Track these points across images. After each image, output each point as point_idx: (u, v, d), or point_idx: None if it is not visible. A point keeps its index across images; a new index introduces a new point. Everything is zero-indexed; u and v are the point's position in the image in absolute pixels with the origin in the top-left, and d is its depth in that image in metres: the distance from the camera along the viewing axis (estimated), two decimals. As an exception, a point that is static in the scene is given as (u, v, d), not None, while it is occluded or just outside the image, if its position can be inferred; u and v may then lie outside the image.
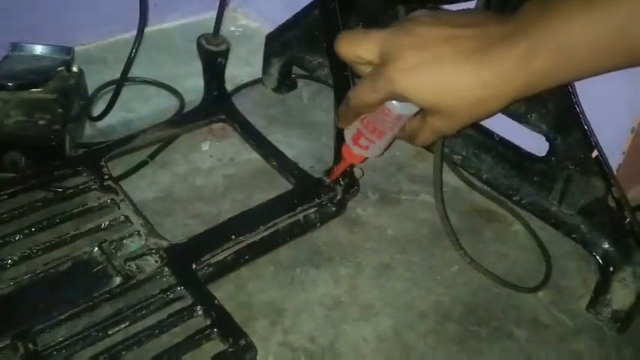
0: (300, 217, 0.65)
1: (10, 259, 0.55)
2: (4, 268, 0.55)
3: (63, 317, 0.50)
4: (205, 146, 0.80)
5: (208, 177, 0.76)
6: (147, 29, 1.00)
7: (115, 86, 0.80)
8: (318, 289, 0.62)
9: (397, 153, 0.80)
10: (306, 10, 0.82)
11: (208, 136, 0.81)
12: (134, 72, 0.89)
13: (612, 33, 0.37)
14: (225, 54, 0.76)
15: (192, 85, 0.89)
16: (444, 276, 0.64)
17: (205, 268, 0.58)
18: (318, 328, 0.58)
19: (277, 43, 0.88)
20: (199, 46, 0.76)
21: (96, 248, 0.56)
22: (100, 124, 0.82)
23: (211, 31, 0.76)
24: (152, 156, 0.76)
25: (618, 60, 0.39)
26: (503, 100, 0.42)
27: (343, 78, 0.62)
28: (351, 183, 0.68)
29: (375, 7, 0.71)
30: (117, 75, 0.87)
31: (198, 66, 0.80)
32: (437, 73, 0.42)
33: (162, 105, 0.87)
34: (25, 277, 0.54)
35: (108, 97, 0.81)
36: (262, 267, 0.63)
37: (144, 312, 0.51)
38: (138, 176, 0.74)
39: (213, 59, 0.76)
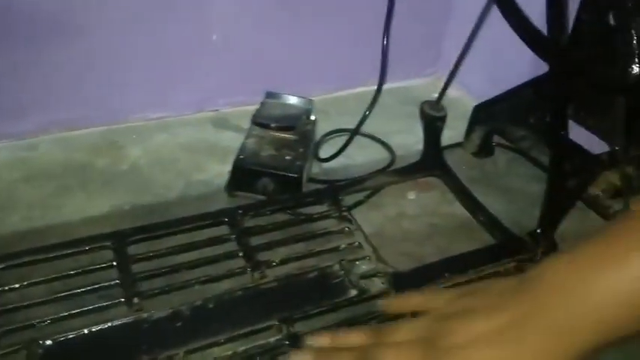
0: (501, 269, 0.73)
1: (273, 261, 0.70)
2: (271, 266, 0.69)
3: (314, 312, 0.63)
4: (412, 195, 0.92)
5: (414, 222, 0.87)
6: (364, 89, 1.18)
7: (340, 134, 0.98)
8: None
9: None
10: (518, 89, 0.92)
11: (415, 187, 0.93)
12: (351, 123, 1.05)
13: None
14: (443, 119, 0.88)
15: (401, 141, 1.02)
16: None
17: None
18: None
19: (484, 113, 0.98)
20: (422, 110, 0.89)
21: (337, 265, 0.69)
22: (325, 164, 0.97)
23: (418, 96, 0.89)
24: (368, 197, 0.90)
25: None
26: None
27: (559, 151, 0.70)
28: (550, 246, 0.75)
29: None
30: (337, 125, 1.05)
31: (406, 125, 0.92)
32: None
33: (376, 156, 1.01)
34: (284, 276, 0.68)
35: (330, 143, 0.99)
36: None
37: (375, 321, 0.63)
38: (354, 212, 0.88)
39: (433, 123, 0.88)
